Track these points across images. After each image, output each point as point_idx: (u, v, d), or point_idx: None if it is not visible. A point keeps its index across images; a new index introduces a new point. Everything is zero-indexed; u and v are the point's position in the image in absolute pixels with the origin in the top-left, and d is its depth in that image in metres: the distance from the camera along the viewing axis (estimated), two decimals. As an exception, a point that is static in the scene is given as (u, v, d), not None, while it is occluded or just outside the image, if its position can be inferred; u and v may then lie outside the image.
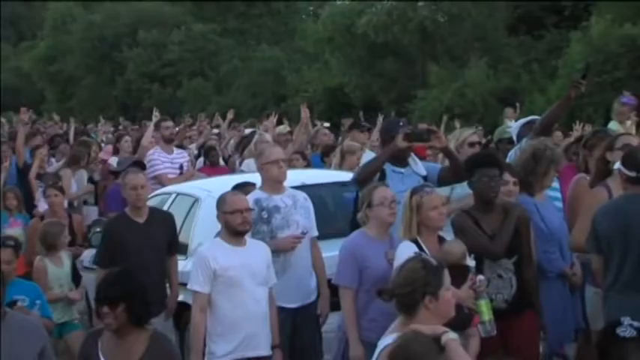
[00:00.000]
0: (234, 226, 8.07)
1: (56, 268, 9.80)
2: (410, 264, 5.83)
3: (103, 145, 21.20)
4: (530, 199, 8.96)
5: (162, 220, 9.41)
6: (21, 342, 6.61)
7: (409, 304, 5.35)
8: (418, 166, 9.60)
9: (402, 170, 9.39)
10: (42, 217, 11.69)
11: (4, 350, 6.40)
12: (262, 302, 8.10)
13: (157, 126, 15.64)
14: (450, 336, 4.89)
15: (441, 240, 8.03)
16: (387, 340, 5.29)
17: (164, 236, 9.05)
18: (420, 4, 42.06)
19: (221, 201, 8.32)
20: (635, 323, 5.67)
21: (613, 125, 12.82)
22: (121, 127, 27.78)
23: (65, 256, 10.04)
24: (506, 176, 8.64)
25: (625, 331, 5.55)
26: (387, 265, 7.90)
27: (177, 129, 18.91)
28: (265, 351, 8.07)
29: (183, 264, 9.94)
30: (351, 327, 8.15)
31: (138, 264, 8.49)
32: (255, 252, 8.25)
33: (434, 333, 4.96)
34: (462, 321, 7.04)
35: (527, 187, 9.05)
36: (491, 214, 7.91)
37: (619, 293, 7.68)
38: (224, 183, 10.90)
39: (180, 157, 15.04)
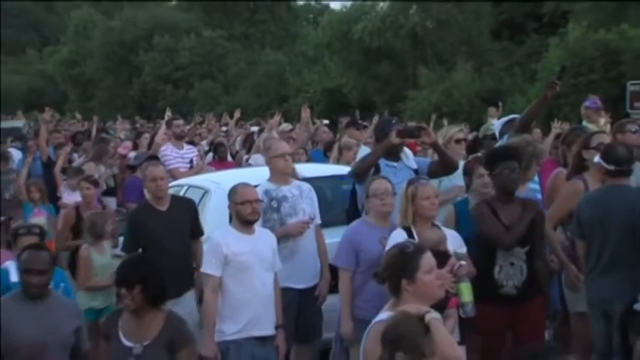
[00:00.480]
0: (244, 216, 8.05)
1: (99, 257, 9.74)
2: (391, 250, 5.93)
3: (121, 141, 21.15)
4: None
5: (184, 207, 9.33)
6: (62, 317, 6.75)
7: (392, 286, 5.36)
8: (410, 160, 9.63)
9: (395, 164, 9.42)
10: (77, 208, 11.61)
11: (48, 322, 6.54)
12: (269, 286, 8.10)
13: (169, 124, 15.65)
14: (433, 315, 4.87)
15: (434, 225, 8.02)
16: (378, 317, 5.32)
17: (186, 222, 8.99)
18: (411, 11, 42.09)
19: (232, 192, 8.31)
20: None
21: (588, 124, 12.88)
22: (137, 125, 27.73)
23: (107, 245, 10.01)
24: (481, 169, 8.64)
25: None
26: (381, 250, 7.77)
27: (187, 127, 18.95)
28: (270, 331, 8.05)
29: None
30: (345, 305, 8.25)
31: (162, 249, 8.49)
32: (263, 239, 8.24)
33: (418, 313, 4.95)
34: (442, 302, 7.11)
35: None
36: (510, 205, 7.81)
37: (600, 275, 7.74)
38: (231, 176, 10.99)
39: (190, 152, 15.00)
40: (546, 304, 8.16)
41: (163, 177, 9.55)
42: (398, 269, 5.34)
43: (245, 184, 8.40)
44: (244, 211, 8.06)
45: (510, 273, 7.69)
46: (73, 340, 6.67)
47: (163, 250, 8.53)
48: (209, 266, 8.04)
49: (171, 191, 11.48)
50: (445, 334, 4.92)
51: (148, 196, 9.72)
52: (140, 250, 9.11)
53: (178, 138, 15.34)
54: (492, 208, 7.81)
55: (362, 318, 7.69)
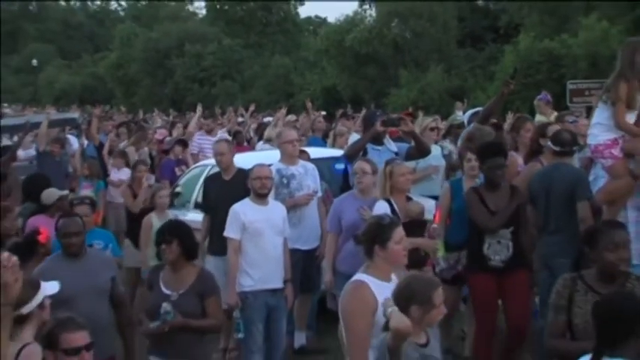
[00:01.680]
0: (255, 189, 8.04)
1: (159, 222, 9.67)
2: (371, 219, 5.89)
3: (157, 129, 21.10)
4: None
5: (243, 178, 9.04)
6: (99, 269, 6.73)
7: (367, 250, 5.28)
8: (391, 144, 9.70)
9: (379, 148, 9.48)
10: (130, 185, 11.57)
11: (89, 274, 6.52)
12: (279, 248, 8.09)
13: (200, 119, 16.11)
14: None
15: (409, 199, 8.07)
16: (354, 278, 5.27)
17: (244, 189, 8.97)
18: (393, 24, 42.03)
19: (250, 170, 8.35)
20: None
21: (538, 118, 12.82)
22: (170, 117, 27.65)
23: (170, 214, 9.97)
24: (469, 154, 8.55)
25: None
26: (357, 217, 7.91)
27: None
28: (279, 284, 8.05)
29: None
30: (327, 260, 8.38)
31: (224, 209, 8.38)
32: (275, 210, 8.23)
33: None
34: (419, 261, 7.12)
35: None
36: (497, 193, 7.57)
37: (546, 235, 7.75)
38: (246, 158, 10.90)
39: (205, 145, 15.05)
40: (530, 275, 7.86)
41: (224, 153, 9.53)
42: (373, 236, 5.25)
43: (261, 165, 8.39)
44: (255, 185, 8.05)
45: (497, 249, 7.51)
46: (110, 287, 6.66)
47: (224, 210, 8.39)
48: (231, 231, 8.02)
49: (198, 169, 11.55)
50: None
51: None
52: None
53: (208, 132, 15.78)
54: (480, 195, 7.61)
55: (340, 271, 7.82)
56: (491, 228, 7.54)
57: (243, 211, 8.06)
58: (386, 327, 4.56)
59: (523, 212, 7.67)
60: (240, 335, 7.93)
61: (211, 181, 9.70)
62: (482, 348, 7.71)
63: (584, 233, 5.63)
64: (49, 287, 5.30)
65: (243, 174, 9.13)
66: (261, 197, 8.16)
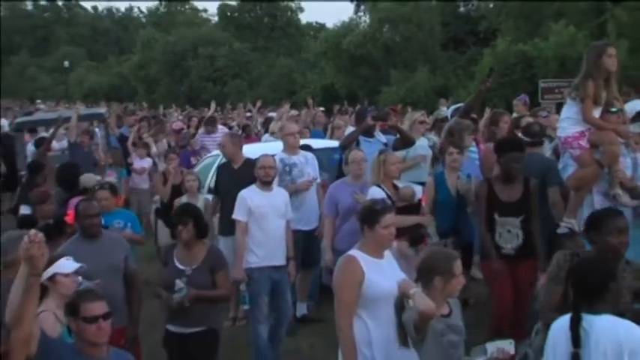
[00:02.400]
0: (260, 177, 8.09)
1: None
2: (367, 202, 5.89)
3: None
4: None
5: (251, 167, 8.95)
6: (114, 250, 6.77)
7: (360, 228, 5.29)
8: (381, 136, 9.98)
9: (370, 140, 9.69)
10: (163, 173, 11.63)
11: (105, 254, 6.57)
12: (281, 229, 8.11)
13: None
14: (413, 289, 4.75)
15: (395, 186, 8.04)
16: (351, 251, 5.24)
17: (253, 178, 8.94)
18: (385, 29, 42.06)
19: (257, 160, 8.39)
20: (567, 225, 5.77)
21: (515, 115, 12.87)
22: (185, 112, 27.65)
23: (201, 198, 10.00)
24: (451, 148, 8.50)
25: (561, 230, 5.63)
26: (352, 201, 8.07)
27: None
28: (282, 261, 8.08)
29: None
30: (327, 241, 8.43)
31: (232, 195, 8.38)
32: (278, 195, 8.26)
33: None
34: (417, 238, 7.11)
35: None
36: (512, 185, 7.33)
37: None
38: (253, 148, 10.89)
39: (221, 135, 15.07)
40: (537, 263, 7.50)
41: (225, 146, 9.65)
42: (364, 218, 5.25)
43: (266, 155, 8.43)
44: (260, 174, 8.10)
45: (508, 238, 7.35)
46: (123, 265, 6.67)
47: (232, 195, 8.43)
48: (238, 214, 8.04)
49: (211, 158, 11.55)
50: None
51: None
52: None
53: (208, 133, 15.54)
54: (491, 188, 7.41)
55: (338, 249, 7.78)
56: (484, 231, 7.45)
57: (249, 196, 8.08)
58: (401, 304, 4.55)
59: (534, 203, 7.46)
60: (246, 307, 7.99)
61: (222, 169, 9.69)
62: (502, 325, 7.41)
63: (588, 219, 5.49)
64: (65, 265, 5.29)
65: (250, 163, 9.10)
66: (265, 184, 8.17)
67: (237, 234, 8.11)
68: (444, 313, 4.64)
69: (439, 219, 8.24)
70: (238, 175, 9.13)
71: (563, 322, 4.36)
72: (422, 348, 4.52)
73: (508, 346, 4.53)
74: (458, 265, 4.60)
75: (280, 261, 8.13)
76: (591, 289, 4.32)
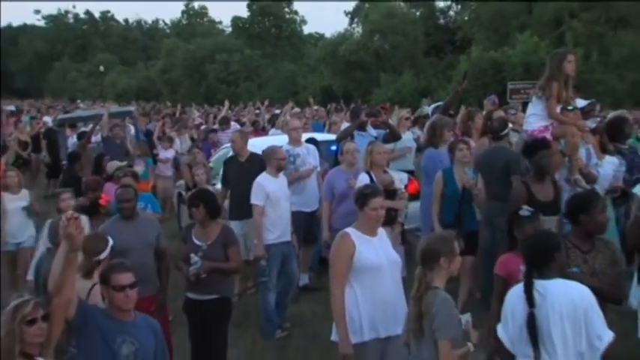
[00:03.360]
0: (278, 166, 8.15)
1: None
2: (360, 186, 5.87)
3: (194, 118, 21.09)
4: (435, 150, 8.80)
5: (257, 161, 8.92)
6: (147, 229, 6.71)
7: (357, 209, 5.23)
8: (372, 131, 9.96)
9: (363, 133, 9.68)
10: (189, 164, 11.45)
11: (140, 233, 6.53)
12: (288, 210, 8.16)
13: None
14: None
15: (385, 172, 8.00)
16: (343, 230, 5.19)
17: (257, 170, 8.83)
18: (375, 39, 42.11)
19: (272, 151, 8.35)
20: (529, 208, 5.68)
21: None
22: (203, 110, 27.66)
23: (212, 188, 9.94)
24: (461, 145, 8.16)
25: (523, 212, 5.53)
26: (345, 186, 8.04)
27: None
28: (289, 238, 8.12)
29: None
30: (325, 220, 8.35)
31: (239, 185, 8.40)
32: (284, 181, 8.28)
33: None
34: (389, 219, 7.01)
35: (433, 144, 8.94)
36: (544, 184, 6.73)
37: (490, 199, 7.74)
38: (261, 141, 10.88)
39: (234, 129, 14.99)
40: None
41: (234, 141, 9.51)
42: (357, 199, 5.21)
43: (280, 148, 8.47)
44: (278, 164, 8.16)
45: None
46: (155, 243, 6.63)
47: (239, 185, 8.45)
48: (256, 199, 7.98)
49: (224, 151, 11.45)
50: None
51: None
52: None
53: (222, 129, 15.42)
54: (529, 188, 6.80)
55: (335, 227, 7.73)
56: None
57: (265, 183, 8.04)
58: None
59: (561, 202, 6.90)
60: (265, 278, 7.95)
61: (230, 162, 9.51)
62: None
63: (574, 202, 5.21)
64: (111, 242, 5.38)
65: (255, 157, 9.05)
66: (278, 172, 8.17)
67: (255, 216, 8.03)
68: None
69: (445, 210, 8.03)
70: (244, 168, 9.02)
71: (518, 288, 4.34)
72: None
73: (469, 317, 4.46)
74: (456, 245, 4.50)
75: (289, 237, 8.15)
76: (540, 258, 4.32)
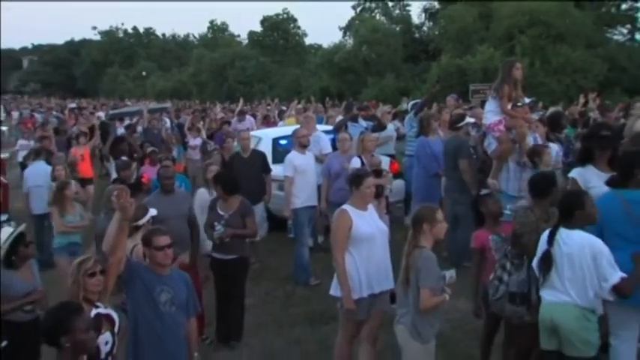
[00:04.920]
0: (301, 143, 8.27)
1: None
2: (353, 169, 5.88)
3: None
4: (425, 139, 8.76)
5: (258, 156, 8.87)
6: (182, 202, 6.68)
7: (349, 188, 5.16)
8: (363, 122, 9.93)
9: (355, 124, 9.60)
10: (220, 153, 11.22)
11: (176, 205, 6.49)
12: (315, 179, 8.26)
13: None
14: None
15: (373, 156, 7.93)
16: (344, 205, 5.10)
17: (259, 164, 8.68)
18: (363, 49, 41.94)
19: (296, 133, 8.46)
20: (492, 184, 5.64)
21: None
22: (224, 107, 27.59)
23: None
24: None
25: (484, 191, 5.52)
26: (339, 168, 7.95)
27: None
28: (315, 202, 8.25)
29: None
30: (323, 195, 8.21)
31: (244, 178, 7.87)
32: (311, 157, 8.38)
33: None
34: (379, 193, 6.96)
35: (424, 133, 8.88)
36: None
37: (447, 178, 7.97)
38: (272, 131, 10.91)
39: (249, 123, 14.87)
40: None
41: (246, 138, 9.05)
42: (352, 181, 5.14)
43: (303, 129, 8.58)
44: (301, 141, 8.25)
45: None
46: (188, 213, 6.59)
47: (244, 178, 7.82)
48: (286, 171, 8.06)
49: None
50: None
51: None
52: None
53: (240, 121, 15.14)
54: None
55: (331, 201, 7.78)
56: None
57: (293, 158, 8.10)
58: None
59: None
60: (291, 235, 8.02)
61: (234, 158, 9.01)
62: None
63: (573, 198, 4.41)
64: (152, 211, 5.35)
65: (256, 153, 8.88)
66: (303, 148, 8.20)
67: (286, 185, 8.08)
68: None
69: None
70: (247, 163, 8.71)
71: (547, 232, 4.33)
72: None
73: (454, 273, 4.46)
74: (439, 214, 4.47)
75: (314, 202, 8.19)
76: (565, 212, 4.25)
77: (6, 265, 4.83)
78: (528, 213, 4.76)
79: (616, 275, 4.03)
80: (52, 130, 14.32)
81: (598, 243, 4.11)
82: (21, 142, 16.01)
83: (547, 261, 4.21)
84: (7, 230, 4.91)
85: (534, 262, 4.40)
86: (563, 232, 4.20)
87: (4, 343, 3.07)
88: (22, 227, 5.07)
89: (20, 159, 15.40)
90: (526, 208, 4.97)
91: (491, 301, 4.76)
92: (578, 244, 4.11)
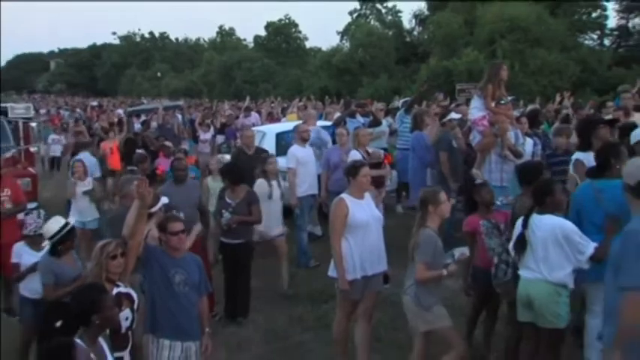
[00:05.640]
0: (302, 137, 8.13)
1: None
2: (351, 161, 5.76)
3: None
4: (420, 132, 8.67)
5: (260, 152, 8.54)
6: (193, 191, 6.62)
7: (347, 178, 5.09)
8: (360, 118, 9.85)
9: (353, 120, 9.51)
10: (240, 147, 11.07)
11: (187, 194, 6.43)
12: (315, 170, 8.19)
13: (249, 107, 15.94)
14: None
15: (367, 151, 7.83)
16: (341, 194, 5.05)
17: (259, 159, 8.64)
18: (359, 52, 41.85)
19: (297, 128, 8.33)
20: (476, 174, 5.61)
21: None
22: (231, 104, 27.51)
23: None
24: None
25: (478, 181, 5.50)
26: (338, 160, 7.89)
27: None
28: (316, 191, 8.19)
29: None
30: (323, 184, 8.16)
31: (249, 171, 7.78)
32: (310, 150, 8.27)
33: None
34: (380, 183, 6.95)
35: (418, 128, 8.80)
36: None
37: (431, 169, 7.96)
38: (276, 126, 10.82)
39: (254, 118, 14.76)
40: None
41: (251, 136, 8.82)
42: (349, 171, 5.07)
43: (302, 124, 8.45)
44: (302, 136, 8.13)
45: None
46: (198, 202, 6.55)
47: (248, 172, 7.68)
48: (289, 163, 7.97)
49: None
50: None
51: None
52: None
53: (245, 116, 15.03)
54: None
55: (330, 190, 7.73)
56: None
57: (296, 150, 8.03)
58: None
59: None
60: (299, 222, 7.93)
61: (239, 153, 8.78)
62: None
63: (544, 186, 4.37)
64: (163, 199, 5.30)
65: (260, 150, 8.72)
66: (304, 142, 8.09)
67: (289, 177, 7.95)
68: (436, 230, 4.48)
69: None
70: (251, 158, 8.54)
71: (521, 218, 4.35)
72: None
73: (466, 250, 4.47)
74: (442, 195, 4.45)
75: (315, 191, 8.14)
76: (538, 199, 4.26)
77: (52, 253, 4.80)
78: (524, 199, 4.74)
79: (590, 247, 4.07)
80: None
81: (567, 224, 4.14)
82: (52, 136, 15.99)
83: (522, 243, 4.25)
84: (60, 221, 4.83)
85: (510, 245, 4.39)
86: (535, 218, 4.22)
87: (59, 323, 3.10)
88: (73, 221, 5.04)
89: (52, 153, 15.42)
90: (521, 195, 4.95)
91: (497, 284, 4.69)
92: (549, 227, 4.13)
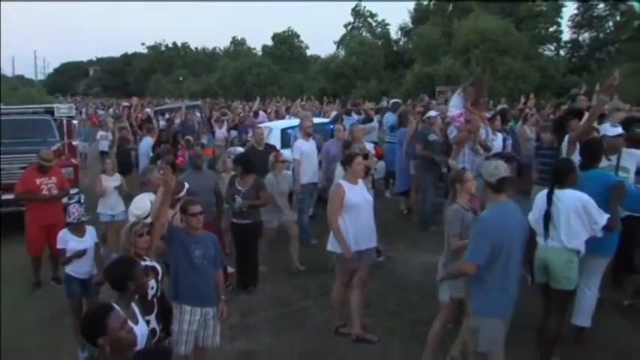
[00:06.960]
0: (306, 131, 7.96)
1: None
2: (345, 151, 5.73)
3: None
4: (405, 129, 8.56)
5: (271, 148, 8.25)
6: (209, 178, 6.56)
7: (343, 167, 5.07)
8: (354, 116, 9.76)
9: (349, 117, 9.44)
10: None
11: (204, 180, 6.35)
12: (317, 161, 8.04)
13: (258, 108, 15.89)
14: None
15: (362, 143, 7.75)
16: (339, 180, 4.98)
17: (268, 155, 8.49)
18: (353, 58, 41.60)
19: (300, 123, 8.14)
20: (452, 164, 5.49)
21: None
22: (243, 104, 27.35)
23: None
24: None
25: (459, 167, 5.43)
26: (336, 152, 7.79)
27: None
28: (317, 179, 8.05)
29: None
30: (324, 174, 8.06)
31: (259, 166, 7.55)
32: (313, 143, 8.07)
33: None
34: (367, 172, 6.84)
35: (403, 125, 8.69)
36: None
37: (413, 159, 7.93)
38: (281, 123, 10.69)
39: (262, 117, 14.65)
40: None
41: (262, 132, 8.52)
42: (345, 161, 5.05)
43: (308, 121, 8.17)
44: (306, 131, 7.93)
45: None
46: (214, 187, 6.49)
47: (259, 166, 7.45)
48: (296, 155, 7.80)
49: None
50: None
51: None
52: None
53: (255, 116, 14.82)
54: None
55: (329, 178, 7.57)
56: None
57: (301, 144, 7.86)
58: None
59: None
60: (302, 205, 7.81)
61: (250, 149, 8.45)
62: None
63: (566, 165, 4.33)
64: (186, 186, 5.27)
65: (269, 146, 8.49)
66: (307, 136, 7.90)
67: (295, 167, 7.79)
68: (466, 207, 4.25)
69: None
70: (261, 154, 8.27)
71: (544, 192, 4.24)
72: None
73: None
74: (468, 175, 4.28)
75: (316, 179, 8.02)
76: (559, 176, 4.19)
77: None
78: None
79: (604, 217, 4.05)
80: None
81: (585, 196, 4.11)
82: (101, 133, 15.90)
83: (547, 217, 4.15)
84: (147, 206, 4.81)
85: (534, 220, 4.26)
86: (558, 192, 4.17)
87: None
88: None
89: (101, 148, 15.35)
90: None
91: None
92: (571, 199, 4.10)
